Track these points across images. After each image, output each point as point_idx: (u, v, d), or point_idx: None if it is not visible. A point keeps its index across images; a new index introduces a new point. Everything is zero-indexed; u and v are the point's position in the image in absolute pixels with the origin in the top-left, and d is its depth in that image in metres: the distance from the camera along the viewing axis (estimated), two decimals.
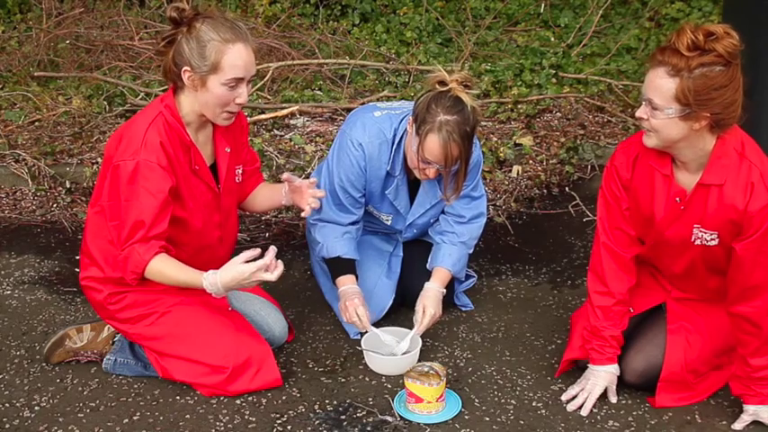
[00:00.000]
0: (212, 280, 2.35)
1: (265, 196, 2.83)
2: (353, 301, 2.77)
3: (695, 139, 2.25)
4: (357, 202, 2.87)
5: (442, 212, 3.00)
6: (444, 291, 2.87)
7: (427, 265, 2.95)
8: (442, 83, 2.59)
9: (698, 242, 2.39)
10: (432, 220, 3.01)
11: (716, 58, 2.13)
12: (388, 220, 2.98)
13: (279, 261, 2.35)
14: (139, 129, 2.39)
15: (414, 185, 2.91)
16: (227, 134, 2.60)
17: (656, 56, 2.19)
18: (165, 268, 2.37)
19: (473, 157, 2.74)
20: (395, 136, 2.78)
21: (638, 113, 2.25)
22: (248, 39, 2.39)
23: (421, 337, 2.76)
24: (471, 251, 3.01)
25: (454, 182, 2.72)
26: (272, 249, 2.34)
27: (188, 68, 2.36)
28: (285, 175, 2.70)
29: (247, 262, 2.33)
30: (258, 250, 2.35)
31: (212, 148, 2.58)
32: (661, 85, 2.17)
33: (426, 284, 2.86)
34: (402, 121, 2.79)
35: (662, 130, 2.23)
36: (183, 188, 2.47)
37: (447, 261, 2.91)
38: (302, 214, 2.68)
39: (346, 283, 2.84)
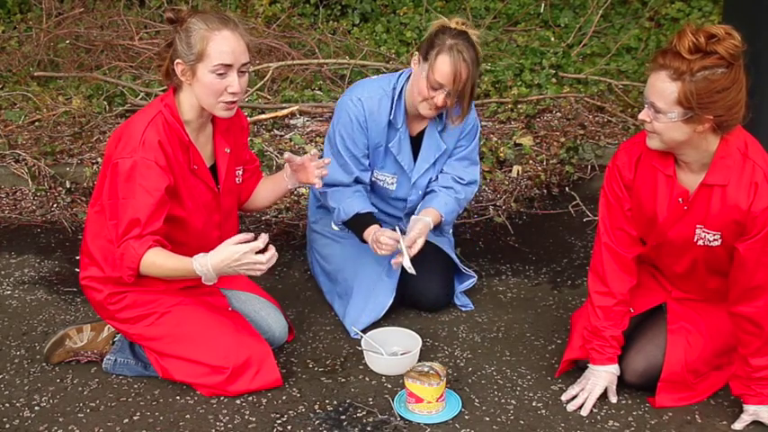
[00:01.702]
0: (202, 261, 2.33)
1: (269, 189, 2.83)
2: (381, 232, 2.76)
3: (698, 141, 2.25)
4: (360, 163, 2.90)
5: (442, 172, 3.06)
6: (432, 226, 2.91)
7: (416, 210, 3.00)
8: (444, 26, 2.72)
9: (700, 242, 2.39)
10: (432, 178, 3.03)
11: (718, 60, 2.12)
12: (392, 184, 2.99)
13: (273, 251, 2.32)
14: (138, 128, 2.40)
15: (415, 143, 2.95)
16: (228, 135, 2.61)
17: (658, 59, 2.18)
18: (157, 259, 2.36)
19: (470, 119, 2.92)
20: (394, 89, 2.86)
21: (641, 116, 2.25)
22: (237, 28, 2.39)
23: (421, 336, 2.76)
24: (461, 211, 3.14)
25: (460, 106, 2.78)
26: (264, 236, 2.31)
27: (179, 61, 2.38)
28: (286, 155, 2.70)
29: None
30: (251, 235, 2.33)
31: (212, 148, 2.58)
32: (663, 89, 2.16)
33: (416, 216, 2.92)
34: (400, 77, 2.87)
35: (665, 134, 2.23)
36: (182, 188, 2.47)
37: (442, 208, 2.97)
38: (315, 188, 2.73)
39: (373, 232, 2.85)
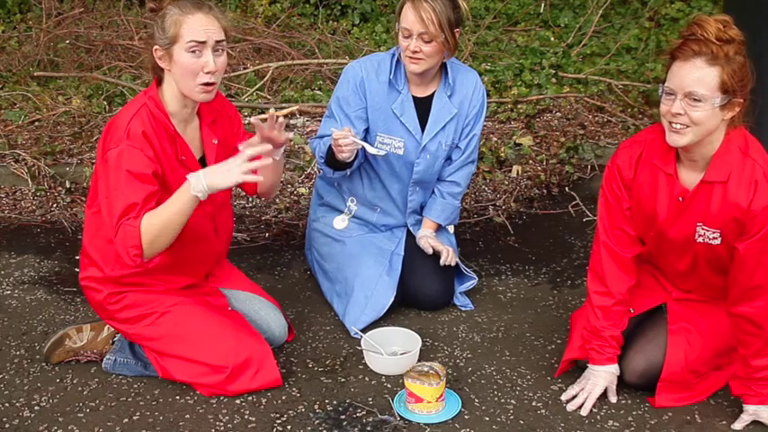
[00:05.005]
0: (195, 175, 2.32)
1: (264, 172, 2.75)
2: (335, 134, 2.79)
3: (716, 133, 2.25)
4: (351, 125, 2.92)
5: (439, 180, 3.12)
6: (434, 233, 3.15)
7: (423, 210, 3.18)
8: None
9: (701, 240, 2.39)
10: (444, 144, 3.03)
11: (738, 45, 2.16)
12: (399, 148, 3.00)
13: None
14: (123, 121, 2.41)
15: (425, 107, 2.99)
16: (215, 126, 2.61)
17: (690, 47, 2.16)
18: (152, 217, 2.32)
19: (472, 81, 3.02)
20: (393, 55, 2.96)
21: (675, 110, 2.20)
22: (211, 10, 2.41)
23: (421, 336, 2.76)
24: (461, 198, 3.21)
25: (444, 44, 2.82)
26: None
27: (157, 47, 2.40)
28: (252, 119, 2.65)
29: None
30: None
31: (200, 140, 2.58)
32: (703, 75, 2.16)
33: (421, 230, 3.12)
34: (400, 47, 2.94)
35: (704, 123, 2.20)
36: (171, 179, 2.46)
37: (440, 217, 3.14)
38: (290, 137, 2.67)
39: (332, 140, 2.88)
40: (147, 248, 2.33)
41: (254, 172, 2.37)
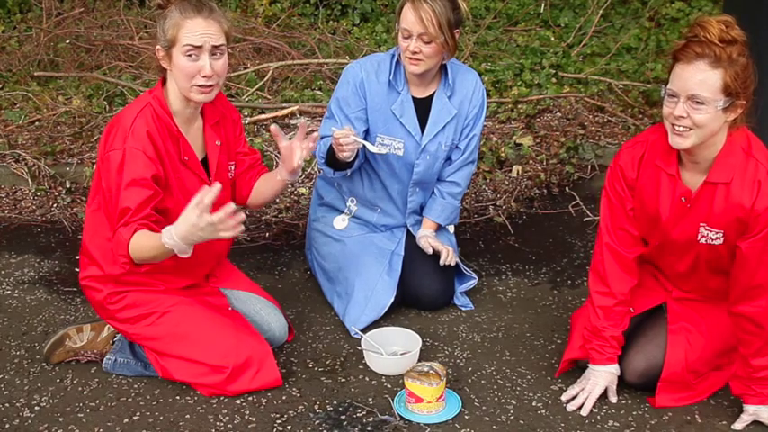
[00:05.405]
0: (169, 233, 2.24)
1: (263, 184, 2.77)
2: (336, 134, 2.76)
3: (719, 135, 2.25)
4: (351, 125, 2.91)
5: (439, 180, 3.11)
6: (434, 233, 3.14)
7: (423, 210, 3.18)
8: None
9: (703, 240, 2.39)
10: (443, 145, 3.03)
11: (741, 46, 2.16)
12: (399, 149, 2.99)
13: (228, 210, 2.15)
14: (127, 119, 2.42)
15: (425, 107, 2.99)
16: (218, 128, 2.61)
17: (692, 49, 2.16)
18: (140, 240, 2.31)
19: (472, 81, 3.02)
20: (393, 56, 2.97)
21: (678, 113, 2.19)
22: (211, 13, 2.41)
23: (421, 336, 2.76)
24: (461, 198, 3.21)
25: (444, 46, 2.82)
26: (216, 186, 2.19)
27: (159, 47, 2.43)
28: (272, 127, 2.61)
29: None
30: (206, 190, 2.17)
31: (202, 141, 2.58)
32: (706, 78, 2.15)
33: (421, 230, 3.12)
34: (399, 47, 2.94)
35: (707, 125, 2.19)
36: (173, 179, 2.46)
37: (439, 217, 3.14)
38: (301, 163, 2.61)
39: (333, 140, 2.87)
40: (136, 260, 2.36)
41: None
